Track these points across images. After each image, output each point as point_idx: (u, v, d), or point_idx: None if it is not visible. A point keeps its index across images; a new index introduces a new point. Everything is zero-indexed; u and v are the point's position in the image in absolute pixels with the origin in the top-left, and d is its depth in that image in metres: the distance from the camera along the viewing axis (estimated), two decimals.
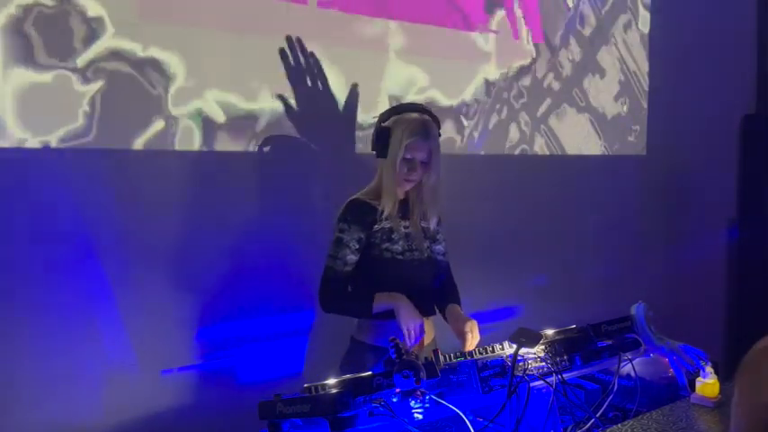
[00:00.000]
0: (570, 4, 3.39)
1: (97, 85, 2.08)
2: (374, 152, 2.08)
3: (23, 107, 1.97)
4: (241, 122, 2.37)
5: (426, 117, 2.07)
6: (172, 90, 2.22)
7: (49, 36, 1.99)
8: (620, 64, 3.66)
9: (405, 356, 1.47)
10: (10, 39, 1.94)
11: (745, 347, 1.04)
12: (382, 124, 2.04)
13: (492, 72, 3.08)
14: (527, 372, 1.62)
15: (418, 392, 1.46)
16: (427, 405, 1.49)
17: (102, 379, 2.14)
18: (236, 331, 2.39)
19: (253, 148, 2.41)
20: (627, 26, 3.68)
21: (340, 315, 2.11)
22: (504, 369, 1.61)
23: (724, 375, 1.89)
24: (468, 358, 1.61)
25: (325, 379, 1.50)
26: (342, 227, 2.04)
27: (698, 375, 1.85)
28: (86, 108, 2.07)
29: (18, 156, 1.97)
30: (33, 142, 1.99)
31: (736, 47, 4.39)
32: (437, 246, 2.19)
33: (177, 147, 2.25)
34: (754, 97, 4.55)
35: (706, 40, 4.06)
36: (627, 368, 1.82)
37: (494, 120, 3.12)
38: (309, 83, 2.51)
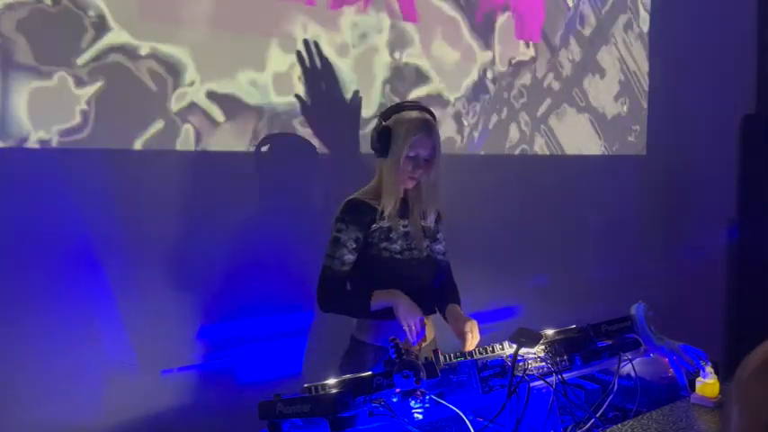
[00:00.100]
0: (570, 4, 3.39)
1: (97, 85, 2.08)
2: (374, 152, 2.07)
3: (23, 107, 1.97)
4: (241, 122, 2.37)
5: (427, 114, 2.08)
6: (172, 90, 2.22)
7: (49, 35, 1.99)
8: (620, 64, 3.66)
9: (405, 356, 1.47)
10: (10, 37, 1.94)
11: (745, 347, 1.03)
12: (384, 123, 2.04)
13: (492, 71, 3.08)
14: (527, 372, 1.62)
15: (418, 392, 1.46)
16: (427, 405, 1.49)
17: (102, 379, 2.14)
18: (236, 331, 2.39)
19: (253, 147, 2.41)
20: (627, 26, 3.68)
21: (339, 315, 2.11)
22: (504, 369, 1.61)
23: (724, 375, 1.89)
24: (468, 358, 1.61)
25: (326, 379, 1.50)
26: (339, 226, 2.04)
27: (698, 375, 1.85)
28: (86, 108, 2.07)
29: (18, 155, 1.97)
30: (33, 142, 1.99)
31: (736, 47, 4.39)
32: (437, 245, 2.19)
33: (177, 147, 2.25)
34: (754, 97, 4.55)
35: (706, 40, 4.06)
36: (627, 368, 1.82)
37: (494, 120, 3.12)
38: (311, 83, 2.51)
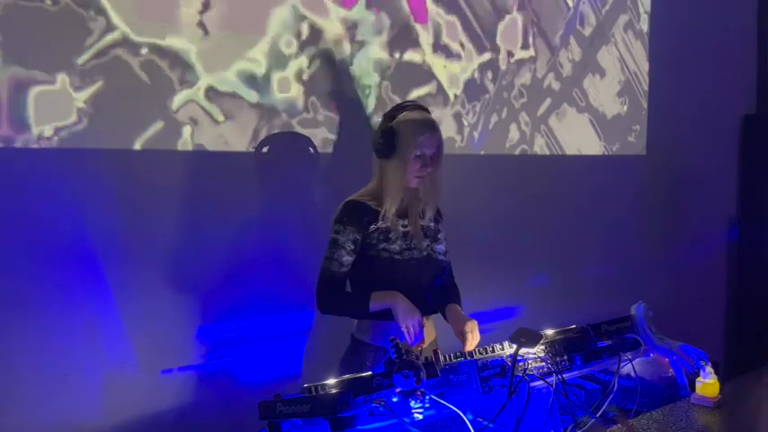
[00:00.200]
0: (570, 4, 3.39)
1: (97, 85, 2.08)
2: (376, 153, 2.06)
3: (23, 107, 1.97)
4: (241, 122, 2.37)
5: (428, 114, 2.09)
6: (172, 89, 2.22)
7: (49, 34, 1.99)
8: (620, 64, 3.66)
9: (405, 356, 1.47)
10: (9, 37, 1.94)
11: (745, 347, 1.04)
12: (389, 125, 2.04)
13: (492, 71, 3.08)
14: (527, 372, 1.62)
15: (418, 392, 1.47)
16: (427, 405, 1.49)
17: (102, 379, 2.14)
18: (236, 331, 2.39)
19: (253, 147, 2.41)
20: (627, 26, 3.68)
21: (338, 316, 2.11)
22: (504, 369, 1.61)
23: (724, 375, 1.89)
24: (468, 358, 1.61)
25: (326, 379, 1.50)
26: (337, 228, 2.04)
27: (698, 375, 1.85)
28: (86, 107, 2.07)
29: (18, 155, 1.97)
30: (33, 142, 1.99)
31: (736, 47, 4.39)
32: (439, 245, 2.18)
33: (177, 147, 2.25)
34: (755, 97, 4.55)
35: (706, 39, 4.06)
36: (627, 368, 1.82)
37: (494, 120, 3.12)
38: (312, 83, 2.51)
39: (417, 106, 2.09)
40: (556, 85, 3.35)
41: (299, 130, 2.50)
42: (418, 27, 2.81)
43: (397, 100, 2.73)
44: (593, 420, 1.66)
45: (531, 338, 1.64)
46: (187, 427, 2.29)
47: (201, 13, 2.26)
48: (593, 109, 3.54)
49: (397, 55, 2.75)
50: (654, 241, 3.92)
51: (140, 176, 2.19)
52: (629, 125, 3.74)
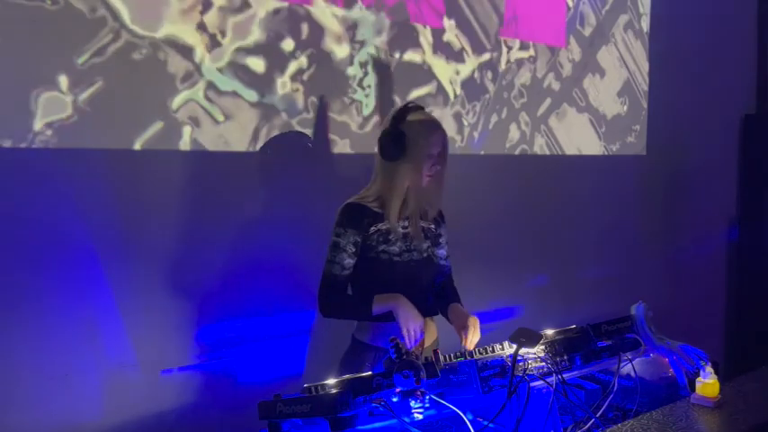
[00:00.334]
0: (570, 4, 3.39)
1: (97, 85, 2.08)
2: (383, 156, 2.05)
3: (23, 106, 1.97)
4: (241, 122, 2.37)
5: (429, 113, 2.11)
6: (172, 89, 2.22)
7: (48, 34, 1.99)
8: (620, 64, 3.66)
9: (405, 356, 1.47)
10: (9, 36, 1.94)
11: (745, 347, 1.04)
12: (397, 127, 2.03)
13: (492, 71, 3.08)
14: (527, 372, 1.62)
15: (418, 392, 1.47)
16: (427, 405, 1.49)
17: (102, 379, 2.14)
18: (236, 331, 2.39)
19: (253, 148, 2.41)
20: (627, 26, 3.68)
21: (340, 319, 2.11)
22: (504, 369, 1.62)
23: (724, 375, 1.89)
24: (469, 358, 1.62)
25: (327, 379, 1.50)
26: (338, 231, 2.04)
27: (698, 375, 1.85)
28: (86, 107, 2.07)
29: (18, 155, 1.97)
30: (33, 142, 1.99)
31: (736, 47, 4.39)
32: (440, 250, 2.19)
33: (177, 147, 2.25)
34: (754, 97, 4.55)
35: (706, 39, 4.06)
36: (627, 368, 1.82)
37: (494, 120, 3.12)
38: (312, 83, 2.51)
39: (419, 107, 2.10)
40: (556, 85, 3.35)
41: (298, 130, 2.50)
42: (419, 27, 2.81)
43: (397, 100, 2.74)
44: (594, 420, 1.66)
45: (531, 338, 1.64)
46: (187, 427, 2.29)
47: (202, 13, 2.26)
48: (593, 109, 3.54)
49: (397, 55, 2.75)
50: (654, 241, 3.92)
51: (140, 176, 2.18)
52: (629, 125, 3.74)
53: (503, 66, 3.13)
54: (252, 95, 2.39)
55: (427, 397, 1.49)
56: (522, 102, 3.21)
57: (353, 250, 2.04)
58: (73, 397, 2.09)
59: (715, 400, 1.81)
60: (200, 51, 2.26)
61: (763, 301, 4.29)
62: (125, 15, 2.11)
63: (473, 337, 1.97)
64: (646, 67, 3.79)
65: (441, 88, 2.91)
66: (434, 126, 2.06)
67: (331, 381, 1.49)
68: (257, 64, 2.39)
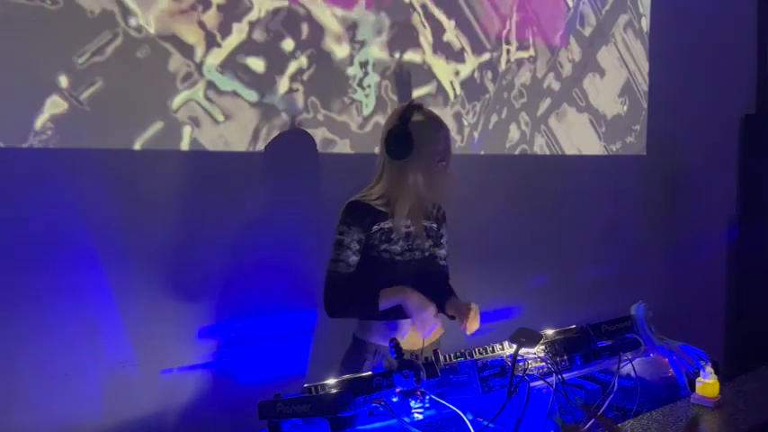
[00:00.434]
0: (570, 4, 3.39)
1: (97, 84, 2.08)
2: (390, 155, 2.05)
3: (23, 106, 1.97)
4: (241, 122, 2.37)
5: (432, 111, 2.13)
6: (172, 89, 2.22)
7: (48, 34, 1.99)
8: (620, 64, 3.66)
9: (405, 356, 1.47)
10: (9, 36, 1.94)
11: (745, 347, 1.04)
12: (404, 127, 2.04)
13: (492, 71, 3.08)
14: (527, 372, 1.62)
15: (418, 392, 1.47)
16: (427, 405, 1.49)
17: (102, 379, 2.14)
18: (236, 331, 2.39)
19: (253, 148, 2.41)
20: (627, 26, 3.68)
21: (347, 318, 2.11)
22: (504, 369, 1.62)
23: (724, 375, 1.89)
24: (469, 358, 1.62)
25: (329, 378, 1.50)
26: (342, 229, 2.04)
27: (698, 375, 1.85)
28: (86, 107, 2.07)
29: (18, 155, 1.97)
30: (33, 142, 1.99)
31: (736, 47, 4.39)
32: (441, 250, 2.20)
33: (177, 147, 2.25)
34: (754, 97, 4.55)
35: (706, 39, 4.06)
36: (627, 368, 1.82)
37: (494, 120, 3.12)
38: (312, 83, 2.51)
39: (422, 106, 2.11)
40: (556, 85, 3.35)
41: (300, 130, 2.50)
42: (419, 27, 2.81)
43: (397, 99, 2.74)
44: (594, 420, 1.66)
45: (531, 338, 1.64)
46: (187, 427, 2.29)
47: (202, 12, 2.26)
48: (593, 109, 3.54)
49: (397, 55, 2.75)
50: (654, 241, 3.92)
51: (140, 176, 2.19)
52: (629, 125, 3.74)
53: (503, 66, 3.13)
54: (252, 95, 2.39)
55: (427, 397, 1.49)
56: (522, 102, 3.21)
57: (357, 248, 2.04)
58: (73, 397, 2.09)
59: (715, 400, 1.81)
60: (200, 51, 2.26)
61: (763, 301, 4.29)
62: (125, 15, 2.11)
63: (473, 323, 1.98)
64: (646, 67, 3.79)
65: (441, 88, 2.91)
66: (439, 124, 2.09)
67: (331, 381, 1.49)
68: (257, 64, 2.39)
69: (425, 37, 2.84)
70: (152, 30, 2.17)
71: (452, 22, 2.93)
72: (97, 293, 2.11)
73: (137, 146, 2.17)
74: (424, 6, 2.82)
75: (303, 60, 2.49)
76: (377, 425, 1.47)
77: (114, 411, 2.16)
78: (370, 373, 1.50)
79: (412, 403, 1.47)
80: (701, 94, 4.06)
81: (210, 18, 2.28)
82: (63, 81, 2.02)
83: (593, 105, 3.54)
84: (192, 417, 2.30)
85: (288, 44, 2.46)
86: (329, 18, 2.55)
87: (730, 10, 4.28)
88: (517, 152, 3.21)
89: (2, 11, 1.92)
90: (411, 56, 2.80)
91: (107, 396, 2.15)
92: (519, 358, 1.61)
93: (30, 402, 2.01)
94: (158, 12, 2.18)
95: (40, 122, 2.00)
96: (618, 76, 3.66)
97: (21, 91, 1.96)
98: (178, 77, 2.23)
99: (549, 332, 1.75)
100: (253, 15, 2.37)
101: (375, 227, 2.04)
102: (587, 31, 3.48)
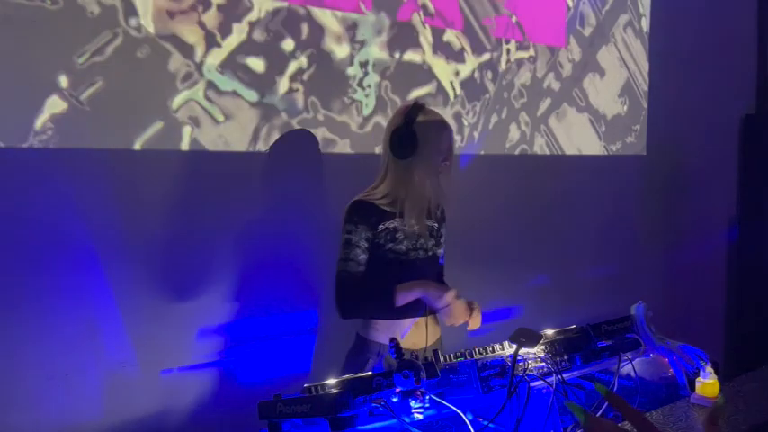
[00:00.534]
0: (570, 4, 3.39)
1: (97, 84, 2.08)
2: (395, 154, 2.05)
3: (23, 106, 1.97)
4: (241, 122, 2.37)
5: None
6: (172, 89, 2.22)
7: (49, 34, 1.99)
8: (620, 64, 3.66)
9: (404, 356, 1.47)
10: (9, 36, 1.94)
11: (745, 347, 1.04)
12: (409, 126, 2.04)
13: (492, 71, 3.08)
14: (527, 372, 1.62)
15: (418, 392, 1.46)
16: (427, 405, 1.49)
17: (102, 379, 2.14)
18: (236, 331, 2.39)
19: (253, 148, 2.41)
20: (627, 26, 3.68)
21: (362, 318, 2.10)
22: (504, 369, 1.61)
23: (724, 375, 1.89)
24: (469, 358, 1.61)
25: (332, 378, 1.50)
26: (349, 227, 2.04)
27: (698, 375, 1.85)
28: (86, 107, 2.07)
29: (18, 155, 1.97)
30: (33, 142, 1.99)
31: (736, 47, 4.39)
32: (440, 250, 2.21)
33: (177, 147, 2.25)
34: (754, 97, 4.55)
35: (706, 39, 4.06)
36: (627, 368, 1.82)
37: (494, 120, 3.12)
38: (312, 83, 2.51)
39: (424, 106, 2.12)
40: (556, 85, 3.35)
41: (301, 130, 2.50)
42: (419, 27, 2.81)
43: (397, 100, 2.74)
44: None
45: (531, 338, 1.63)
46: (187, 428, 2.29)
47: (202, 12, 2.26)
48: (593, 109, 3.54)
49: (397, 55, 2.75)
50: (654, 241, 3.92)
51: (140, 176, 2.18)
52: (629, 125, 3.74)
53: (503, 66, 3.13)
54: (252, 95, 2.39)
55: (427, 397, 1.49)
56: (522, 102, 3.21)
57: (366, 246, 2.04)
58: (73, 397, 2.09)
59: (715, 400, 1.81)
60: (200, 51, 2.26)
61: (763, 301, 4.29)
62: (125, 15, 2.11)
63: (476, 321, 2.01)
64: (646, 67, 3.79)
65: (441, 88, 2.91)
66: (443, 124, 2.11)
67: (331, 381, 1.49)
68: (257, 64, 2.39)
69: (425, 37, 2.84)
70: (152, 30, 2.17)
71: (452, 23, 2.93)
72: (97, 293, 2.11)
73: (137, 146, 2.17)
74: (423, 6, 2.82)
75: (303, 60, 2.49)
76: (377, 425, 1.46)
77: (114, 411, 2.16)
78: (369, 373, 1.50)
79: (412, 403, 1.47)
80: (700, 94, 4.06)
81: (210, 18, 2.28)
82: (63, 81, 2.02)
83: (593, 105, 3.54)
84: (192, 417, 2.30)
85: (288, 44, 2.46)
86: (329, 18, 2.55)
87: (730, 10, 4.28)
88: (517, 152, 3.21)
89: (2, 11, 1.92)
90: (411, 56, 2.80)
91: (107, 396, 2.15)
92: (519, 358, 1.61)
93: (30, 402, 2.01)
94: (158, 12, 2.18)
95: (40, 122, 2.00)
96: (618, 76, 3.66)
97: (21, 91, 1.96)
98: (178, 77, 2.23)
99: (549, 332, 1.75)
100: (253, 15, 2.37)
101: (381, 226, 2.05)
102: (587, 31, 3.48)
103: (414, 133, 2.03)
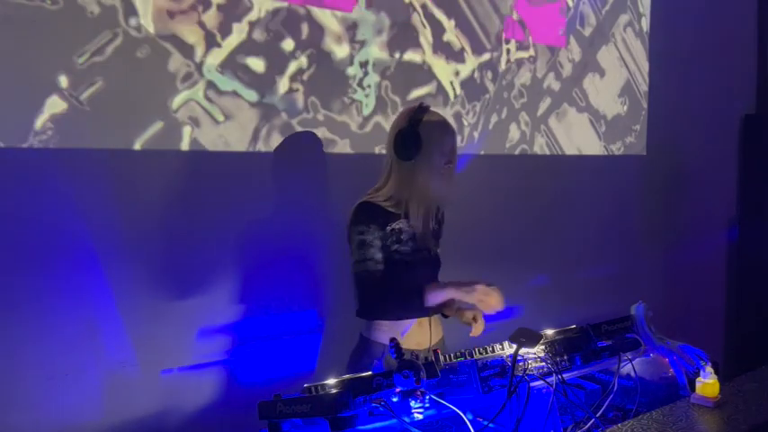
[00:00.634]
0: (570, 4, 3.39)
1: (97, 84, 2.08)
2: (399, 156, 2.05)
3: (23, 107, 1.97)
4: (241, 122, 2.37)
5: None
6: (172, 89, 2.22)
7: (49, 34, 1.99)
8: (620, 64, 3.66)
9: (405, 356, 1.47)
10: (9, 36, 1.94)
11: (745, 347, 1.04)
12: (413, 128, 2.04)
13: (492, 71, 3.08)
14: (527, 372, 1.62)
15: (418, 392, 1.46)
16: (427, 405, 1.49)
17: (102, 379, 2.14)
18: (236, 331, 2.39)
19: (253, 148, 2.41)
20: (627, 26, 3.68)
21: (387, 320, 2.08)
22: (504, 369, 1.62)
23: (724, 375, 1.89)
24: (469, 358, 1.62)
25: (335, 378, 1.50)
26: (361, 228, 2.03)
27: (698, 375, 1.85)
28: (86, 107, 2.07)
29: (18, 155, 1.97)
30: (33, 142, 1.99)
31: (736, 47, 4.39)
32: (438, 249, 2.21)
33: (177, 147, 2.25)
34: (754, 97, 4.55)
35: (706, 39, 4.07)
36: (627, 368, 1.82)
37: (494, 120, 3.12)
38: (312, 82, 2.51)
39: (428, 107, 2.12)
40: (556, 85, 3.35)
41: (299, 130, 2.50)
42: (419, 27, 2.81)
43: (397, 100, 2.74)
44: (594, 420, 1.66)
45: (531, 338, 1.64)
46: (187, 428, 2.29)
47: (202, 12, 2.26)
48: (593, 109, 3.54)
49: (397, 55, 2.75)
50: (654, 241, 3.92)
51: (140, 176, 2.18)
52: (629, 125, 3.74)
53: (503, 66, 3.13)
54: (252, 95, 2.39)
55: (427, 397, 1.49)
56: (522, 102, 3.21)
57: (380, 244, 2.03)
58: (73, 397, 2.09)
59: (715, 400, 1.81)
60: (200, 51, 2.26)
61: (763, 300, 4.29)
62: (125, 15, 2.11)
63: (479, 328, 2.05)
64: (646, 67, 3.79)
65: (441, 88, 2.91)
66: (447, 126, 2.11)
67: (331, 381, 1.49)
68: (257, 64, 2.39)
69: (425, 37, 2.84)
70: (152, 30, 2.17)
71: (452, 22, 2.93)
72: (97, 293, 2.11)
73: (137, 146, 2.17)
74: (424, 6, 2.82)
75: (303, 60, 2.49)
76: (377, 425, 1.47)
77: (114, 411, 2.16)
78: (369, 373, 1.50)
79: (412, 403, 1.47)
80: (700, 94, 4.06)
81: (210, 18, 2.28)
82: (63, 81, 2.02)
83: (594, 105, 3.54)
84: (192, 417, 2.30)
85: (288, 44, 2.46)
86: (329, 18, 2.55)
87: (730, 10, 4.28)
88: (517, 152, 3.21)
89: (2, 11, 1.92)
90: (411, 56, 2.80)
91: (107, 396, 2.15)
92: (519, 358, 1.61)
93: (30, 402, 2.01)
94: (159, 12, 2.18)
95: (40, 122, 2.00)
96: (618, 76, 3.66)
97: (21, 91, 1.96)
98: (178, 77, 2.23)
99: (549, 332, 1.75)
100: (253, 15, 2.37)
101: (387, 228, 2.05)
102: (587, 31, 3.48)
103: (418, 135, 2.03)
